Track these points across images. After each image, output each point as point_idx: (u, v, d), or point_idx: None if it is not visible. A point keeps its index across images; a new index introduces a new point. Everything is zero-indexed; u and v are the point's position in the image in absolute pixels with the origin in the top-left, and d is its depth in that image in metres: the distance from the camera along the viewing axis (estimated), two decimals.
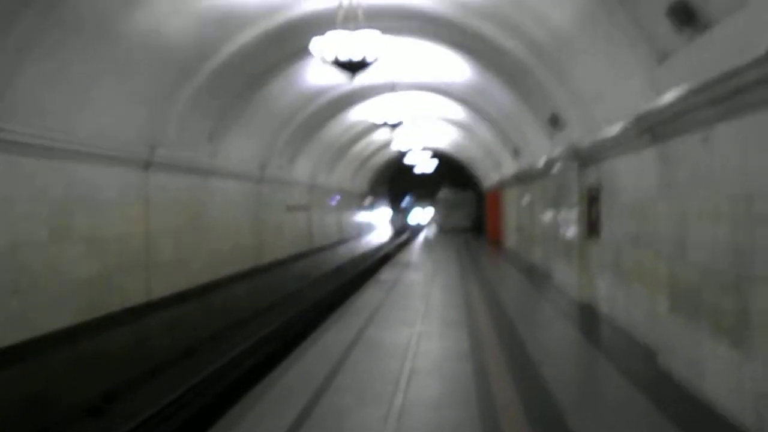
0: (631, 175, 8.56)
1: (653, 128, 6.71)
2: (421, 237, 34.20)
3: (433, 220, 45.97)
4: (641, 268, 8.00)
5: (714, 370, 5.45)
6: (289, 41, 12.44)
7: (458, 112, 20.55)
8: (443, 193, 42.80)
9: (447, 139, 29.37)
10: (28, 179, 8.53)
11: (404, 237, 41.71)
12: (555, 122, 11.61)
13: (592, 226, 10.70)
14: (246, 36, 11.36)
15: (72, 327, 9.26)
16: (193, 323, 12.78)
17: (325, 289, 20.52)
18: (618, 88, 8.26)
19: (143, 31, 9.31)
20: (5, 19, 7.03)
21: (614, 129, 8.53)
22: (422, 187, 43.64)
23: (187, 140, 12.73)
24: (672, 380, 6.24)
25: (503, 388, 6.08)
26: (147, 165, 11.48)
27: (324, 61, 9.07)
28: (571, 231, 11.62)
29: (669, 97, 5.93)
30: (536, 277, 15.39)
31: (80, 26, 8.17)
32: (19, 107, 7.89)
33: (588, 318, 9.88)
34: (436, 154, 33.39)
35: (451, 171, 41.06)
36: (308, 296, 19.32)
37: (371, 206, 40.95)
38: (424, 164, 34.18)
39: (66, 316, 9.22)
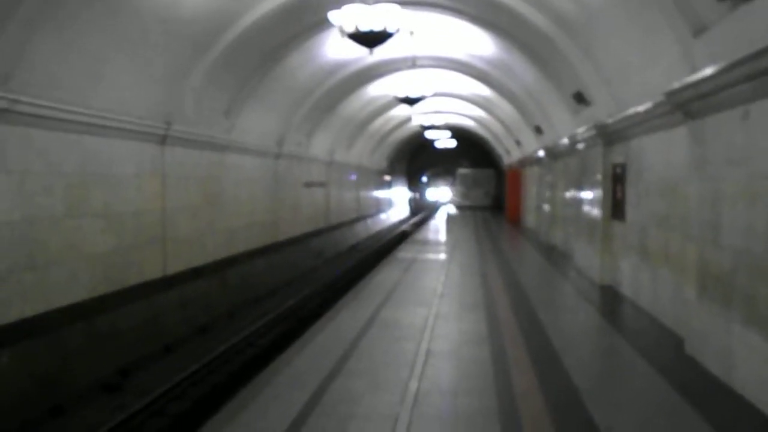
0: (660, 154, 8.21)
1: (686, 105, 6.36)
2: (439, 215, 33.92)
3: (451, 198, 45.07)
4: (669, 250, 7.70)
5: (745, 359, 5.19)
6: (307, 14, 12.15)
7: (479, 88, 20.12)
8: (462, 171, 42.42)
9: (467, 116, 28.89)
10: (43, 153, 8.43)
11: (422, 215, 41.40)
12: (580, 99, 11.22)
13: (616, 207, 10.38)
14: (263, 8, 11.09)
15: (88, 301, 9.24)
16: (208, 299, 12.75)
17: (340, 267, 20.42)
18: (648, 63, 7.88)
19: (159, 3, 9.09)
20: None
21: (643, 106, 8.18)
22: (441, 165, 43.10)
23: (204, 115, 12.56)
24: (699, 368, 5.99)
25: (522, 373, 5.88)
26: (163, 140, 11.35)
27: (343, 33, 8.82)
28: (594, 211, 11.30)
29: (705, 72, 5.59)
30: (556, 257, 15.11)
31: (93, 1, 7.98)
32: (33, 80, 7.75)
33: (610, 301, 9.62)
34: (456, 131, 32.91)
35: (471, 148, 40.61)
36: (324, 274, 19.25)
37: (390, 183, 40.66)
38: (443, 141, 33.76)
39: (82, 291, 9.19)
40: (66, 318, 8.67)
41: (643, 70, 8.19)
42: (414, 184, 48.90)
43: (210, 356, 9.97)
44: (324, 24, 12.12)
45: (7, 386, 7.33)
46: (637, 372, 6.08)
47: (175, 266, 11.86)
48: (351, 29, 8.77)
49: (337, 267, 20.60)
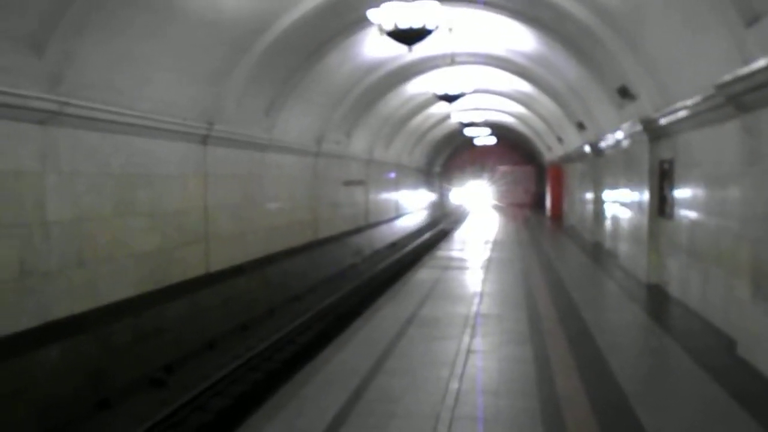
0: (710, 149, 7.94)
1: (738, 97, 6.12)
2: (475, 215, 33.59)
3: (488, 196, 42.59)
4: (720, 249, 7.43)
5: None
6: (346, 13, 12.17)
7: (520, 84, 19.82)
8: (502, 168, 41.95)
9: (507, 112, 28.52)
10: (91, 154, 8.66)
11: (460, 213, 40.97)
12: (625, 93, 10.93)
13: (663, 203, 10.08)
14: (302, 8, 11.14)
15: (134, 298, 9.46)
16: (249, 297, 12.92)
17: (379, 265, 20.42)
18: (696, 55, 7.62)
19: (202, 6, 9.23)
20: None
21: (692, 99, 7.91)
22: (481, 161, 42.60)
23: (245, 115, 12.71)
24: (753, 371, 5.77)
25: (566, 374, 5.76)
26: (205, 140, 11.53)
27: (382, 31, 8.79)
28: (640, 208, 11.00)
29: (759, 63, 5.36)
30: (600, 255, 14.79)
31: (137, 3, 8.14)
32: (82, 82, 7.97)
33: (657, 301, 9.36)
34: (496, 128, 32.54)
35: (511, 145, 40.10)
36: (362, 271, 19.29)
37: (430, 182, 40.48)
38: (482, 138, 33.42)
39: (128, 288, 9.41)
40: (113, 315, 8.89)
41: (691, 62, 7.92)
42: (451, 182, 45.38)
43: (251, 353, 10.09)
44: (363, 22, 12.13)
45: (57, 380, 7.57)
46: (687, 374, 5.88)
47: (218, 264, 12.05)
48: (390, 27, 8.72)
49: (376, 265, 20.61)
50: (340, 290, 15.80)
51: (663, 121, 9.50)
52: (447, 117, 28.91)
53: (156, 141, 10.09)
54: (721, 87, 6.30)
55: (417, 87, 20.65)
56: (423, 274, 11.83)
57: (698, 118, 8.07)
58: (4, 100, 6.86)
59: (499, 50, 16.38)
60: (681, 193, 9.15)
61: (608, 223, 15.57)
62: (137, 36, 8.59)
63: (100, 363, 8.36)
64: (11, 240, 7.27)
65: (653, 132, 10.21)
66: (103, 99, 8.49)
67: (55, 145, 7.93)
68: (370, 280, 17.76)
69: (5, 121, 7.11)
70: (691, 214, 8.62)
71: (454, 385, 5.46)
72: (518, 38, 14.42)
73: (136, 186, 9.69)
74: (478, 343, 6.88)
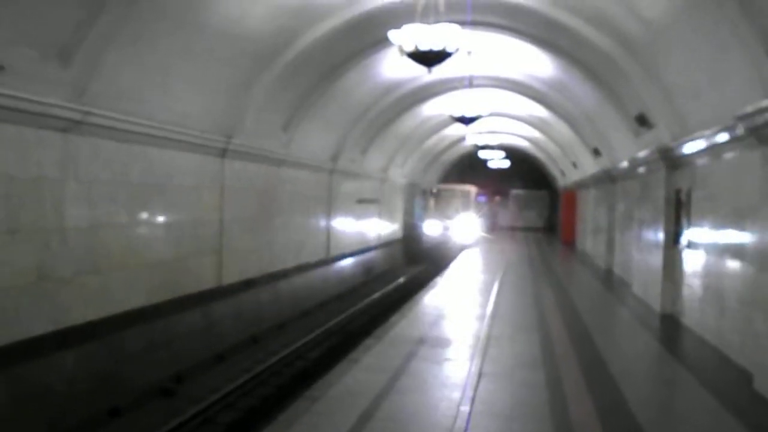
0: (729, 179, 7.89)
1: (759, 129, 6.11)
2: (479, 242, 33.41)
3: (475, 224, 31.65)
4: (738, 280, 7.36)
5: None
6: (366, 33, 12.29)
7: (536, 109, 19.89)
8: (515, 192, 41.88)
9: (522, 136, 28.58)
10: (109, 163, 8.76)
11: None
12: (643, 121, 10.93)
13: (679, 233, 10.02)
14: (323, 27, 11.28)
15: (146, 307, 9.48)
16: (260, 311, 12.92)
17: (389, 286, 20.37)
18: (717, 85, 7.63)
19: (224, 20, 9.37)
20: (94, 8, 7.20)
21: (711, 129, 7.90)
22: (493, 185, 42.48)
23: (263, 129, 12.82)
24: None
25: (579, 401, 5.69)
26: (223, 153, 11.64)
27: (402, 52, 8.86)
28: (655, 236, 10.93)
29: None
30: (614, 283, 14.68)
31: (163, 15, 8.29)
32: (104, 93, 8.09)
33: (672, 331, 9.26)
34: (510, 151, 32.57)
35: (525, 169, 40.01)
36: (373, 289, 19.25)
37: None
38: (496, 161, 33.44)
39: (141, 297, 9.45)
40: (125, 323, 8.92)
41: (711, 91, 7.92)
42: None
43: (261, 367, 10.07)
44: (382, 43, 12.24)
45: (69, 387, 7.58)
46: (701, 406, 5.80)
47: (230, 277, 12.08)
48: (410, 48, 8.79)
49: (386, 283, 20.57)
50: (351, 307, 15.76)
51: (681, 151, 9.48)
52: (462, 139, 29.02)
53: (173, 152, 10.18)
54: (742, 118, 6.30)
55: (434, 108, 20.77)
56: (433, 294, 11.78)
57: (717, 148, 8.05)
58: (28, 107, 6.97)
59: (516, 74, 16.47)
60: (698, 223, 9.09)
61: (622, 251, 15.46)
62: (160, 48, 8.71)
63: (111, 371, 8.37)
64: (30, 245, 7.34)
65: (670, 161, 10.18)
66: (123, 109, 8.61)
67: (75, 153, 8.03)
68: (381, 297, 17.72)
69: (29, 128, 7.22)
70: (708, 245, 8.55)
71: None
72: (536, 63, 14.50)
73: (153, 196, 9.78)
74: (490, 365, 6.82)
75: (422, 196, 31.01)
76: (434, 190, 31.12)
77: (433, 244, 28.99)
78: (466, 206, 30.81)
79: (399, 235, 27.67)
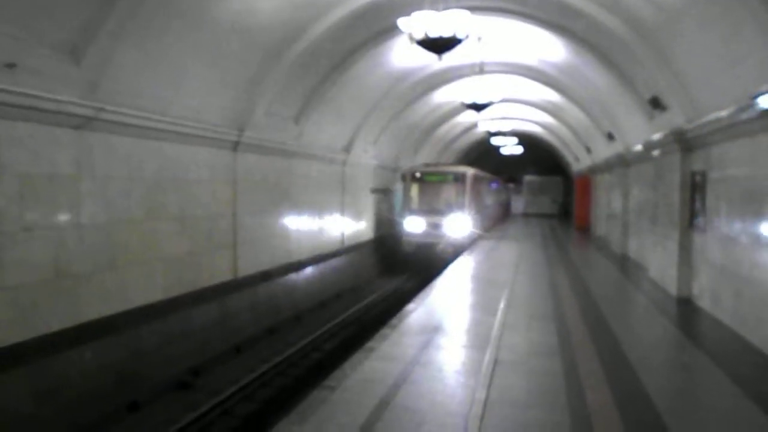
0: (745, 162, 7.78)
1: None
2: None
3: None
4: (756, 263, 7.27)
5: None
6: (376, 22, 12.24)
7: (548, 94, 19.70)
8: (529, 178, 41.69)
9: (535, 122, 28.36)
10: (124, 159, 8.83)
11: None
12: (656, 104, 10.79)
13: (694, 216, 9.91)
14: (332, 17, 11.24)
15: (164, 301, 9.59)
16: (276, 302, 13.00)
17: (404, 273, 20.36)
18: (731, 65, 7.49)
19: (234, 14, 9.37)
20: (105, 5, 7.22)
21: (726, 110, 7.77)
22: (506, 171, 42.27)
23: (274, 122, 12.84)
24: None
25: (596, 388, 5.67)
26: (235, 146, 11.67)
27: (412, 39, 8.81)
28: (671, 220, 10.82)
29: None
30: (629, 268, 14.58)
31: (173, 11, 8.30)
32: (116, 89, 8.13)
33: (688, 315, 9.18)
34: (523, 137, 32.36)
35: (538, 155, 39.79)
36: (389, 280, 19.28)
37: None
38: (509, 148, 33.26)
39: (157, 291, 9.54)
40: (142, 317, 9.02)
41: (726, 72, 7.79)
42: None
43: (278, 358, 10.15)
44: (392, 31, 12.19)
45: (88, 381, 7.69)
46: (721, 391, 5.76)
47: (245, 269, 12.16)
48: (420, 36, 8.74)
49: (401, 272, 20.56)
50: (365, 299, 15.80)
51: (695, 133, 9.36)
52: (474, 126, 28.85)
53: (187, 147, 10.24)
54: (758, 99, 6.19)
55: (445, 96, 20.65)
56: (446, 282, 11.76)
57: (732, 129, 7.93)
58: (42, 105, 7.04)
59: (528, 60, 16.31)
60: (714, 205, 8.99)
61: (638, 235, 15.34)
62: (171, 43, 8.74)
63: (129, 365, 8.48)
64: (47, 242, 7.43)
65: (685, 143, 10.06)
66: (136, 105, 8.66)
67: (89, 150, 8.11)
68: (396, 287, 17.74)
69: (43, 125, 7.29)
70: (724, 228, 8.46)
71: None
72: (548, 48, 14.35)
73: (167, 191, 9.84)
74: (505, 352, 6.81)
75: (403, 183, 22.34)
76: (417, 175, 21.79)
77: (418, 246, 20.70)
78: (461, 198, 21.36)
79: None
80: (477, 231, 22.03)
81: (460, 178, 21.54)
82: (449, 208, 21.13)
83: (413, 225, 20.84)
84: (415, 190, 21.68)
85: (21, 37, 6.62)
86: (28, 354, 6.99)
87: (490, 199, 28.98)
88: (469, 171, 22.03)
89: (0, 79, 6.46)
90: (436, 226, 20.62)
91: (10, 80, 6.58)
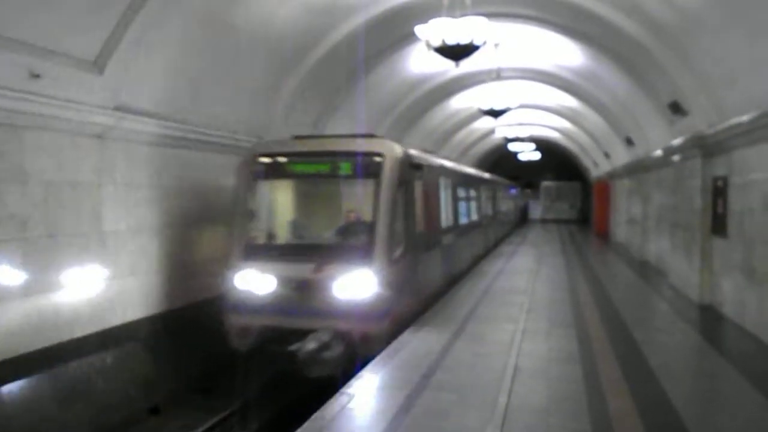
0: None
1: None
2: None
3: None
4: None
5: None
6: (393, 29, 12.31)
7: (566, 99, 19.63)
8: (546, 184, 41.47)
9: (552, 127, 28.24)
10: (145, 166, 8.94)
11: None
12: (677, 109, 10.69)
13: (716, 222, 9.78)
14: (350, 25, 11.33)
15: (183, 308, 9.66)
16: None
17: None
18: (754, 69, 7.42)
19: (254, 22, 9.48)
20: (127, 15, 7.35)
21: (748, 115, 7.69)
22: (524, 177, 42.04)
23: (292, 128, 12.90)
24: None
25: (617, 395, 5.62)
26: None
27: (429, 46, 8.84)
28: (693, 226, 10.70)
29: None
30: (650, 274, 14.43)
31: (195, 19, 8.42)
32: (138, 97, 8.26)
33: (711, 322, 9.06)
34: (540, 143, 32.21)
35: (556, 160, 39.57)
36: None
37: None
38: (527, 153, 33.13)
39: (180, 298, 9.63)
40: (162, 324, 9.10)
41: (749, 78, 7.71)
42: None
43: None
44: (409, 38, 12.23)
45: (112, 385, 7.79)
46: (745, 399, 5.67)
47: None
48: (437, 43, 8.77)
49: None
50: None
51: (717, 138, 9.26)
52: (492, 132, 28.78)
53: (206, 154, 10.34)
54: None
55: (462, 102, 20.66)
56: (464, 291, 11.73)
57: (755, 134, 7.84)
58: (64, 114, 7.17)
59: (545, 65, 16.27)
60: (737, 210, 8.87)
61: (658, 241, 15.18)
62: (187, 51, 8.84)
63: (151, 370, 8.56)
64: (71, 249, 7.54)
65: (706, 148, 9.95)
66: (157, 113, 8.77)
67: (111, 158, 8.23)
68: None
69: (66, 134, 7.42)
70: (748, 233, 8.34)
71: None
72: (566, 53, 14.31)
73: (187, 198, 9.94)
74: (525, 359, 6.78)
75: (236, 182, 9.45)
76: (267, 161, 8.83)
77: (263, 341, 8.39)
78: (379, 215, 8.05)
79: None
80: (415, 305, 9.10)
81: (373, 170, 8.29)
82: (346, 241, 8.91)
83: (250, 284, 8.14)
84: (261, 197, 9.30)
85: (44, 48, 6.74)
86: (52, 359, 7.09)
87: (490, 209, 21.17)
88: (396, 151, 8.56)
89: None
90: (306, 289, 7.87)
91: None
